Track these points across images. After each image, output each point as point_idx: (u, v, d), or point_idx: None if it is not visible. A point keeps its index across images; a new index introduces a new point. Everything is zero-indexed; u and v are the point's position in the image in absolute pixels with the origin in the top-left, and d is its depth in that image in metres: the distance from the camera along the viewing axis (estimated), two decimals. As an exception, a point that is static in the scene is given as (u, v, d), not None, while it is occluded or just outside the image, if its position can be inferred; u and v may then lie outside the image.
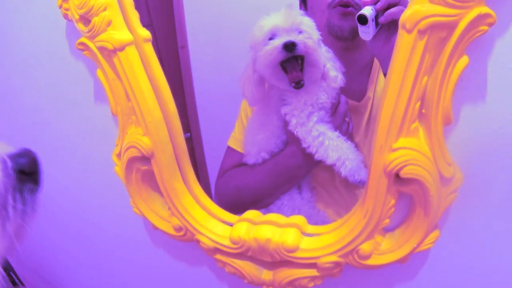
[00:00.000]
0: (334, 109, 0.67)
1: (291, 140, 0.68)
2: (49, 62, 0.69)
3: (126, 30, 0.57)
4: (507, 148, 0.49)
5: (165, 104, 0.59)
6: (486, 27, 0.43)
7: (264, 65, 0.62)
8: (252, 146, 0.73)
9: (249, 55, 0.67)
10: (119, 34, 0.56)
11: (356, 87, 0.69)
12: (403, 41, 0.46)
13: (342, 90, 0.68)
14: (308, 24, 0.62)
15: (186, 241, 0.65)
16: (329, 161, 0.63)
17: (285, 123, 0.67)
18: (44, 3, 0.66)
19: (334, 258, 0.56)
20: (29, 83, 0.74)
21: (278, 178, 0.70)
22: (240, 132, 0.77)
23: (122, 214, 0.73)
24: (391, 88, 0.48)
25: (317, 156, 0.64)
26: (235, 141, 0.76)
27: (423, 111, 0.49)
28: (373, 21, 0.58)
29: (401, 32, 0.46)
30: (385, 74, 0.61)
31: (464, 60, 0.46)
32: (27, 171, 0.45)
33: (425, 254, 0.57)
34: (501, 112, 0.48)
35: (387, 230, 0.56)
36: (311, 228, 0.59)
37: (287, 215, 0.66)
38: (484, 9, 0.42)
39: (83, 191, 0.76)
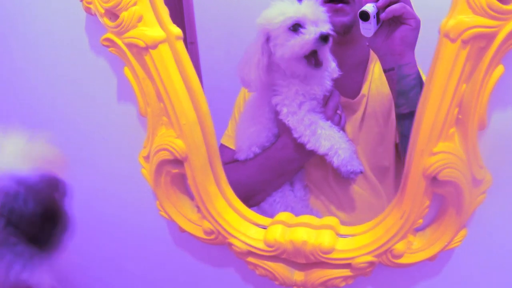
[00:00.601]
0: (325, 100, 0.70)
1: (283, 131, 0.71)
2: (67, 59, 0.68)
3: (158, 27, 0.57)
4: None
5: (199, 104, 0.60)
6: None
7: (293, 53, 0.65)
8: (243, 141, 0.75)
9: (254, 38, 0.68)
10: (151, 30, 0.56)
11: (349, 85, 0.73)
12: (447, 50, 0.49)
13: (336, 87, 0.72)
14: (326, 16, 0.65)
15: (216, 245, 0.66)
16: (322, 150, 0.66)
17: (277, 114, 0.69)
18: None
19: (369, 258, 0.60)
20: (46, 80, 0.72)
21: (269, 172, 0.73)
22: (232, 130, 0.80)
23: (146, 217, 0.73)
24: (433, 95, 0.51)
25: (309, 146, 0.67)
26: (228, 138, 0.79)
27: (460, 116, 0.52)
28: (374, 18, 0.62)
29: (444, 41, 0.50)
30: (385, 70, 0.67)
31: (500, 69, 0.50)
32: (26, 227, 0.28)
33: (451, 251, 0.62)
34: None
35: (417, 229, 0.60)
36: (344, 229, 0.63)
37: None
38: None
39: (103, 195, 0.74)
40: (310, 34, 0.63)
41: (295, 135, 0.67)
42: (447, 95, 0.51)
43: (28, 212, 0.26)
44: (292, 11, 0.64)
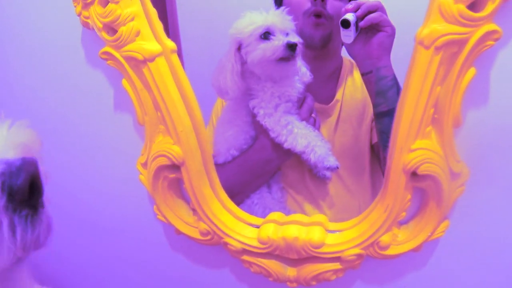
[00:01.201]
0: (300, 103, 0.76)
1: (260, 133, 0.76)
2: (64, 72, 0.73)
3: (155, 41, 0.62)
4: (509, 146, 0.60)
5: (193, 112, 0.65)
6: (492, 42, 0.54)
7: (261, 60, 0.70)
8: (222, 144, 0.80)
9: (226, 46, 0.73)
10: (148, 44, 0.61)
11: (324, 92, 0.80)
12: (421, 56, 0.55)
13: (311, 93, 0.78)
14: (293, 26, 0.71)
15: (211, 245, 0.71)
16: (299, 148, 0.71)
17: (254, 117, 0.75)
18: (60, 11, 0.69)
19: (357, 250, 0.65)
20: (45, 93, 0.77)
21: (248, 174, 0.78)
22: (210, 136, 0.83)
23: (143, 222, 0.78)
24: (409, 97, 0.57)
25: (287, 145, 0.72)
26: None
27: (436, 116, 0.58)
28: (354, 25, 0.68)
29: (418, 48, 0.55)
30: (362, 74, 0.73)
31: (471, 71, 0.56)
32: (20, 197, 0.37)
33: (436, 242, 0.68)
34: (503, 115, 0.59)
35: (402, 222, 0.66)
36: (333, 225, 0.68)
37: (259, 214, 0.76)
38: (492, 26, 0.53)
39: (101, 201, 0.79)
40: (279, 40, 0.68)
41: (272, 135, 0.72)
42: (422, 97, 0.56)
43: (20, 185, 0.36)
44: (261, 20, 0.69)
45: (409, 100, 0.57)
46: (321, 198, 0.79)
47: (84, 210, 0.80)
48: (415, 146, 0.58)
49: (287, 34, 0.71)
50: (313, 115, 0.77)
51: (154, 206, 0.72)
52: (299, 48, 0.70)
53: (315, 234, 0.65)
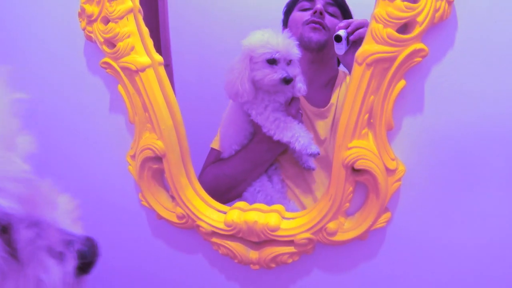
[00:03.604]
0: (288, 102, 0.95)
1: (257, 128, 0.95)
2: (69, 78, 0.95)
3: (145, 55, 0.82)
4: (441, 147, 0.77)
5: (175, 115, 0.85)
6: (420, 59, 0.71)
7: (261, 80, 0.90)
8: (225, 142, 1.00)
9: (238, 57, 0.92)
10: (141, 58, 0.81)
11: (321, 97, 1.00)
12: (356, 71, 0.74)
13: (310, 98, 0.98)
14: (298, 54, 0.91)
15: (186, 228, 0.89)
16: (285, 139, 0.91)
17: (249, 116, 0.95)
18: (66, 25, 0.91)
19: (307, 235, 0.82)
20: (49, 94, 0.99)
21: (249, 162, 0.98)
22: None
23: (129, 208, 0.98)
24: (346, 104, 0.75)
25: (276, 137, 0.91)
26: (215, 142, 1.04)
27: (371, 120, 0.76)
28: (345, 39, 0.89)
29: (355, 64, 0.74)
30: None
31: (401, 83, 0.73)
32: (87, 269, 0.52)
33: (382, 233, 0.85)
34: (434, 119, 0.76)
35: (349, 214, 0.83)
36: (288, 214, 0.86)
37: (261, 201, 0.94)
38: (419, 45, 0.69)
39: (93, 189, 1.01)
40: (279, 73, 0.88)
41: (264, 130, 0.92)
42: (356, 104, 0.74)
43: (91, 263, 0.52)
44: (272, 47, 0.88)
45: (346, 106, 0.75)
46: (317, 191, 0.98)
47: (78, 196, 0.99)
48: (351, 144, 0.76)
49: (290, 62, 0.90)
50: (300, 111, 0.97)
51: (139, 194, 0.92)
52: (296, 75, 0.91)
53: (271, 219, 0.83)
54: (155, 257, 1.01)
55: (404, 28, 0.71)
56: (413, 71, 0.73)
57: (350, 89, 0.74)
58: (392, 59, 0.71)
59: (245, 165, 0.98)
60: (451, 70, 0.74)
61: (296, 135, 0.90)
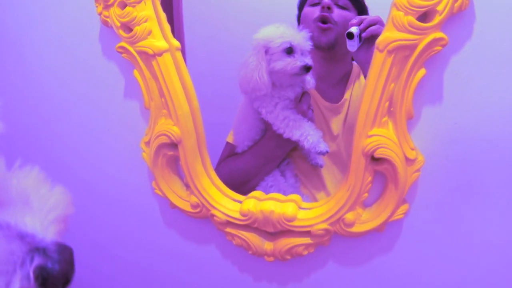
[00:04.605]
0: (299, 98, 0.97)
1: (269, 125, 0.97)
2: (84, 63, 0.96)
3: (163, 40, 0.83)
4: (462, 139, 0.78)
5: (191, 100, 0.86)
6: (440, 47, 0.72)
7: (280, 70, 0.91)
8: (238, 137, 1.03)
9: (252, 52, 0.94)
10: (158, 42, 0.83)
11: (335, 93, 1.01)
12: (376, 58, 0.75)
13: (323, 94, 1.00)
14: (310, 45, 0.93)
15: (200, 218, 0.90)
16: (294, 138, 0.92)
17: (259, 114, 0.97)
18: (82, 9, 0.93)
19: (324, 226, 0.82)
20: (64, 79, 1.00)
21: (261, 158, 1.00)
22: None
23: (142, 196, 0.99)
24: (367, 92, 0.76)
25: (285, 135, 0.94)
26: (230, 136, 1.05)
27: (392, 109, 0.77)
28: (357, 37, 0.90)
29: (375, 51, 0.75)
30: (365, 76, 0.92)
31: (422, 72, 0.75)
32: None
33: (400, 225, 0.85)
34: (456, 110, 0.77)
35: (366, 205, 0.84)
36: (305, 204, 0.86)
37: None
38: (439, 34, 0.71)
39: (107, 176, 1.02)
40: (300, 61, 0.90)
41: (274, 128, 0.94)
42: (377, 91, 0.75)
43: (56, 278, 0.40)
44: (290, 37, 0.91)
45: (367, 93, 0.76)
46: (330, 186, 0.99)
47: (90, 183, 1.01)
48: (372, 132, 0.77)
49: (304, 53, 0.92)
50: (311, 107, 0.98)
51: (153, 182, 0.93)
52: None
53: (288, 209, 0.83)
54: (167, 247, 1.01)
55: (424, 17, 0.72)
56: (432, 60, 0.74)
57: (371, 77, 0.76)
58: (412, 47, 0.72)
59: (257, 160, 1.00)
60: (469, 60, 0.75)
61: (305, 134, 0.92)
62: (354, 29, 0.89)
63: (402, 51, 0.73)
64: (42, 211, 0.43)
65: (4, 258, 0.38)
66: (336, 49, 0.97)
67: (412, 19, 0.70)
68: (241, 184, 0.97)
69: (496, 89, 0.75)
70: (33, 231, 0.40)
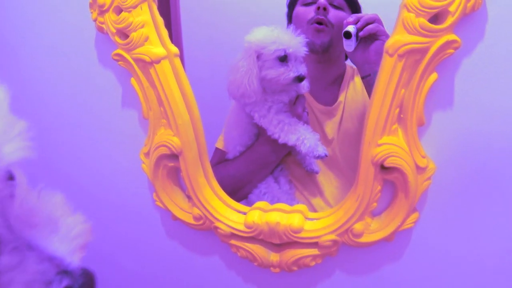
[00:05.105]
0: (292, 102, 0.94)
1: (262, 130, 0.95)
2: (79, 71, 0.93)
3: (161, 46, 0.80)
4: (473, 145, 0.76)
5: (192, 109, 0.83)
6: (452, 50, 0.70)
7: (272, 79, 0.88)
8: (230, 143, 1.00)
9: (242, 56, 0.90)
10: (155, 49, 0.80)
11: (329, 95, 0.99)
12: (386, 63, 0.72)
13: (317, 97, 0.98)
14: (305, 51, 0.89)
15: (203, 230, 0.88)
16: (291, 142, 0.90)
17: (252, 119, 0.94)
18: (77, 16, 0.89)
19: (332, 236, 0.80)
20: (59, 87, 0.97)
21: (254, 164, 0.97)
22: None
23: (142, 208, 0.96)
24: (376, 98, 0.74)
25: (281, 140, 0.91)
26: (220, 141, 1.03)
27: (402, 115, 0.74)
28: (354, 36, 0.87)
29: (385, 55, 0.72)
30: (362, 77, 0.92)
31: (433, 76, 0.72)
32: None
33: (409, 234, 0.83)
34: (468, 116, 0.75)
35: (375, 214, 0.82)
36: (312, 214, 0.84)
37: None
38: (451, 37, 0.68)
39: (105, 188, 0.99)
40: (293, 72, 0.87)
41: (268, 133, 0.91)
42: (387, 98, 0.73)
43: None
44: (285, 43, 0.87)
45: (376, 100, 0.74)
46: (326, 192, 0.97)
47: (89, 195, 0.98)
48: (382, 141, 0.74)
49: (298, 59, 0.89)
50: (306, 110, 0.95)
51: (154, 193, 0.90)
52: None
53: (294, 220, 0.81)
54: (169, 260, 0.99)
55: (435, 19, 0.69)
56: (444, 63, 0.72)
57: (380, 82, 0.73)
58: (424, 50, 0.70)
59: (250, 166, 0.97)
60: (482, 63, 0.72)
61: (302, 138, 0.89)
62: (351, 28, 0.86)
63: (413, 55, 0.70)
64: (69, 237, 0.47)
65: (34, 278, 0.42)
66: (330, 51, 0.95)
67: (423, 21, 0.68)
68: (233, 191, 0.94)
69: (510, 92, 0.72)
70: (62, 255, 0.44)
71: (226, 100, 0.95)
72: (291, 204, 0.90)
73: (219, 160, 1.01)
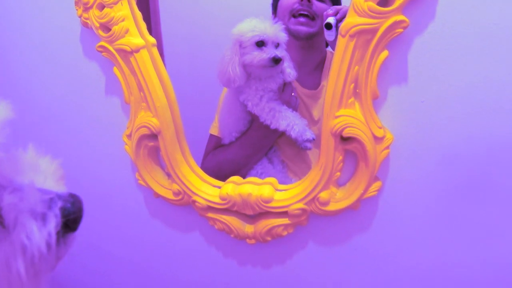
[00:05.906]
0: (281, 89, 1.03)
1: (254, 117, 1.03)
2: (66, 63, 1.04)
3: (139, 37, 0.90)
4: (428, 116, 0.83)
5: (168, 93, 0.92)
6: (401, 30, 0.77)
7: (250, 63, 0.97)
8: (225, 129, 1.08)
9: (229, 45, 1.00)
10: (135, 40, 0.89)
11: (313, 80, 1.07)
12: (340, 43, 0.81)
13: (302, 81, 1.06)
14: (284, 37, 0.99)
15: (182, 205, 0.96)
16: (281, 128, 0.98)
17: (245, 107, 1.02)
18: (63, 13, 1.00)
19: (300, 205, 0.88)
20: (48, 79, 1.08)
21: (249, 148, 1.06)
22: (217, 121, 1.13)
23: (127, 189, 1.05)
24: (332, 75, 0.82)
25: (272, 126, 1.00)
26: (214, 128, 1.11)
27: (357, 90, 0.82)
28: (335, 27, 0.96)
29: (339, 36, 0.81)
30: None
31: (384, 54, 0.80)
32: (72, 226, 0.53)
33: (375, 202, 0.91)
34: (421, 89, 0.82)
35: (340, 184, 0.89)
36: (281, 186, 0.92)
37: None
38: (400, 17, 0.76)
39: (91, 171, 1.09)
40: (268, 53, 0.96)
41: (261, 119, 1.00)
42: (341, 74, 0.81)
43: (75, 218, 0.53)
44: (260, 30, 0.96)
45: (332, 76, 0.82)
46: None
47: (76, 179, 1.06)
48: (339, 113, 0.83)
49: (277, 45, 0.98)
50: (294, 94, 1.04)
51: (136, 173, 0.99)
52: (285, 58, 0.98)
53: (265, 191, 0.90)
54: (152, 237, 1.08)
55: (386, 1, 0.78)
56: (396, 42, 0.80)
57: (335, 60, 0.81)
58: (374, 31, 0.78)
59: (245, 150, 1.06)
60: (433, 41, 0.79)
61: (291, 124, 0.97)
62: (331, 20, 0.95)
63: (364, 35, 0.78)
64: (50, 173, 0.57)
65: (39, 200, 0.50)
66: (314, 39, 1.04)
67: (372, 4, 0.76)
68: (231, 174, 1.02)
69: (459, 67, 0.79)
70: (50, 187, 0.54)
71: (204, 88, 1.05)
72: (285, 181, 0.99)
73: (215, 146, 1.09)
